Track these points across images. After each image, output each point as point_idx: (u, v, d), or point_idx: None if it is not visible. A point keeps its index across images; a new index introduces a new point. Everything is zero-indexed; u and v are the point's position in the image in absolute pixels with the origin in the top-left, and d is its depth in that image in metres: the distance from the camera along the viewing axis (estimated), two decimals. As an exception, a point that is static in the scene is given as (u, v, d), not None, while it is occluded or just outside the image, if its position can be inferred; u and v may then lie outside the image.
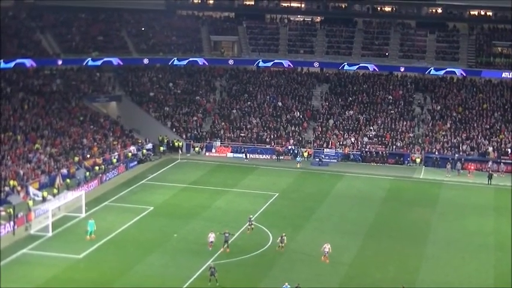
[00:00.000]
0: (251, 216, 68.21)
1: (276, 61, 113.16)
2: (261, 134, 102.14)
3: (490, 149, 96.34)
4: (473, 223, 71.85)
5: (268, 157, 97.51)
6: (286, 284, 52.13)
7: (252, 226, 66.79)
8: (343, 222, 71.03)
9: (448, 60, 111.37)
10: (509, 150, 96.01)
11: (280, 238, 62.41)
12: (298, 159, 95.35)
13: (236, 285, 52.92)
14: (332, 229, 68.05)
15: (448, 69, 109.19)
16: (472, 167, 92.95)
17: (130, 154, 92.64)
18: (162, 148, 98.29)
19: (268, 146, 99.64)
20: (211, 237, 61.73)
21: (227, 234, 61.90)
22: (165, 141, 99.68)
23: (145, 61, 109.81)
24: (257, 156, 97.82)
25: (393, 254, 61.31)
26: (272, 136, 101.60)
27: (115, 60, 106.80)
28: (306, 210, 74.20)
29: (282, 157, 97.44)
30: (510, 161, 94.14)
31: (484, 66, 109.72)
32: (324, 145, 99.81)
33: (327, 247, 59.20)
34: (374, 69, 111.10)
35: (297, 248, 62.85)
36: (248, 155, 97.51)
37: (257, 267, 57.12)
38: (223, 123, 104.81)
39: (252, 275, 56.13)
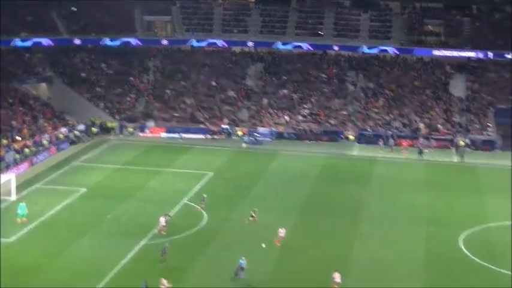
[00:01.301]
0: (204, 195, 67.98)
1: (210, 41, 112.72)
2: (195, 113, 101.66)
3: (422, 125, 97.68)
4: (406, 198, 72.78)
5: (203, 137, 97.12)
6: (243, 258, 52.24)
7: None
8: (278, 200, 71.19)
9: (381, 39, 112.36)
10: (440, 126, 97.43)
11: (252, 213, 63.28)
12: (245, 139, 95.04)
13: (172, 264, 52.48)
14: (267, 208, 67.86)
15: (381, 48, 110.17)
16: (406, 144, 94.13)
17: (61, 136, 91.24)
18: (94, 129, 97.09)
19: (202, 126, 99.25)
20: (163, 221, 60.83)
21: (168, 217, 61.58)
22: (98, 122, 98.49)
23: (77, 42, 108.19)
24: (191, 136, 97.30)
25: (327, 231, 61.61)
26: (206, 116, 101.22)
27: (45, 41, 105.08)
28: (241, 189, 74.16)
29: (217, 136, 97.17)
30: (441, 137, 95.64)
31: (415, 45, 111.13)
32: (258, 124, 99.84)
33: (282, 232, 58.68)
34: (308, 48, 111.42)
35: (232, 227, 62.84)
36: (182, 135, 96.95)
37: (192, 247, 56.78)
38: (156, 104, 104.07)
39: (188, 255, 55.71)
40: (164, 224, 60.55)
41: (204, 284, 51.50)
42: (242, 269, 51.95)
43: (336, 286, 49.87)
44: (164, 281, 48.27)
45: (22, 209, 62.93)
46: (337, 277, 50.10)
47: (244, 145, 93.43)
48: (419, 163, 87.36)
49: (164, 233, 59.90)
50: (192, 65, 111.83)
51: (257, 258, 55.78)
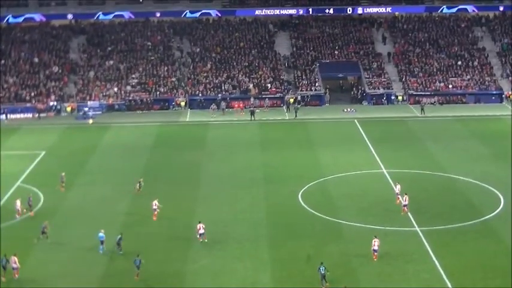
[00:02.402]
0: (63, 173, 65.95)
1: (27, 16, 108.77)
2: (20, 92, 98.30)
3: (251, 86, 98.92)
4: (242, 159, 73.79)
5: (30, 116, 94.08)
6: (102, 231, 51.79)
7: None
8: (115, 173, 70.27)
9: (203, 2, 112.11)
10: (269, 85, 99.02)
11: (138, 183, 63.22)
12: (90, 114, 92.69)
13: (13, 250, 50.49)
14: (104, 182, 67.22)
15: (203, 11, 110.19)
16: (237, 105, 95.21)
17: None
18: None
19: (29, 104, 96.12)
20: (18, 205, 58.57)
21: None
22: None
23: None
24: (18, 116, 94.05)
25: (168, 199, 61.16)
26: (32, 94, 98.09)
27: None
28: (75, 166, 72.53)
29: (44, 114, 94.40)
30: (271, 96, 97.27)
31: (237, 6, 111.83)
32: (87, 98, 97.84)
33: (155, 204, 57.67)
34: (130, 16, 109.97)
35: (70, 205, 61.58)
36: (8, 115, 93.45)
37: (30, 230, 54.92)
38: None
39: (25, 238, 53.96)
40: (19, 207, 58.35)
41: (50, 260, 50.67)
42: (102, 242, 51.76)
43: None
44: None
45: None
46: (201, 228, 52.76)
47: (90, 121, 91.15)
48: (253, 123, 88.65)
49: (18, 218, 58.11)
50: (11, 42, 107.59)
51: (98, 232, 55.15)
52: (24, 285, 47.00)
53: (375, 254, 49.87)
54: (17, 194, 63.69)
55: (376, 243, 49.95)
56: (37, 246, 52.64)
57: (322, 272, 46.18)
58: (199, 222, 53.35)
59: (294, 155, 74.82)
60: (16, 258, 48.07)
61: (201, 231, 53.15)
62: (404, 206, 57.75)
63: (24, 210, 58.73)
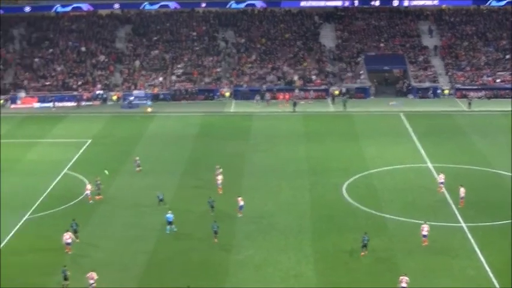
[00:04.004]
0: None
1: (74, 5, 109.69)
2: (67, 81, 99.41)
3: (296, 77, 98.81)
4: (287, 151, 73.75)
5: (77, 104, 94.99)
6: (170, 212, 53.48)
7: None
8: (159, 162, 70.82)
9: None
10: (313, 77, 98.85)
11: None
12: (148, 103, 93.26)
13: (58, 235, 51.35)
14: (149, 171, 67.60)
15: (248, 2, 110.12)
16: (282, 97, 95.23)
17: None
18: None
19: (75, 93, 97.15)
20: (88, 189, 60.06)
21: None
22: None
23: None
24: (65, 104, 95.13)
25: (211, 189, 61.37)
26: (79, 82, 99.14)
27: None
28: (121, 154, 73.25)
29: (87, 103, 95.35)
30: (316, 88, 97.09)
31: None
32: (133, 87, 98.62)
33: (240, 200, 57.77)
34: (176, 6, 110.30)
35: (115, 194, 62.19)
36: (56, 103, 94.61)
37: (78, 216, 55.49)
38: (26, 73, 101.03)
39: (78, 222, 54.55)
40: (89, 192, 59.79)
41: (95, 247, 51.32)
42: (170, 223, 53.23)
43: None
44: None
45: None
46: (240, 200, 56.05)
47: (149, 109, 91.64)
48: (297, 115, 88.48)
49: (91, 202, 59.51)
50: (59, 31, 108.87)
51: (143, 222, 55.99)
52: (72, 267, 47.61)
53: (424, 239, 50.20)
54: (64, 181, 64.87)
55: (425, 229, 50.45)
56: (83, 234, 53.31)
57: (365, 241, 48.14)
58: (239, 196, 55.77)
59: (339, 147, 74.64)
60: (70, 234, 50.26)
61: (241, 203, 55.69)
62: (462, 198, 57.49)
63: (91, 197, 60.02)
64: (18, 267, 48.80)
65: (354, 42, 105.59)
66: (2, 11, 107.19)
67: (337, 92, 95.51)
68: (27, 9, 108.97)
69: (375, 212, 57.07)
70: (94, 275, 45.10)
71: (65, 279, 45.71)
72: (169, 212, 54.07)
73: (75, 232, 51.96)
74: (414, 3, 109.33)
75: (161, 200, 58.30)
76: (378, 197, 60.38)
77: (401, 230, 53.69)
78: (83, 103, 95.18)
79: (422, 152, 72.42)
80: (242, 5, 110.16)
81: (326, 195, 61.04)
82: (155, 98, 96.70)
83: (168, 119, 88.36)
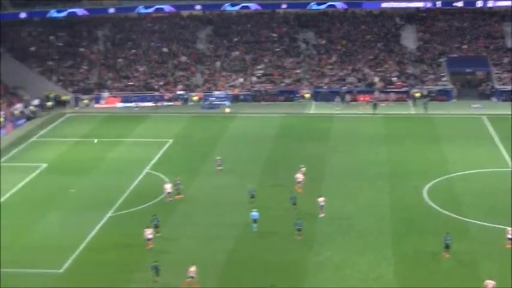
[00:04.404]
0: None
1: (157, 6, 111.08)
2: (149, 81, 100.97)
3: (377, 79, 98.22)
4: (367, 153, 73.33)
5: (159, 104, 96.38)
6: (255, 210, 54.52)
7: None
8: (239, 162, 71.23)
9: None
10: (394, 79, 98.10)
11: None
12: (227, 103, 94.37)
13: (140, 233, 52.35)
14: (229, 170, 68.09)
15: (329, 3, 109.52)
16: (362, 98, 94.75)
17: (17, 112, 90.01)
18: (49, 103, 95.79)
19: (157, 93, 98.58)
20: (168, 188, 61.12)
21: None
22: (52, 96, 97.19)
23: (23, 15, 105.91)
24: (147, 104, 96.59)
25: (292, 191, 61.05)
26: (160, 83, 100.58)
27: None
28: (201, 154, 73.99)
29: (169, 103, 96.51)
30: (397, 90, 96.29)
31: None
32: (213, 88, 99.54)
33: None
34: (256, 8, 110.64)
35: (195, 193, 62.83)
36: (138, 103, 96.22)
37: (158, 215, 56.16)
38: (109, 74, 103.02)
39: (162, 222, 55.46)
40: (169, 191, 60.80)
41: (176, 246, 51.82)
42: (255, 221, 54.04)
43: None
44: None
45: None
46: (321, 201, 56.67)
47: (227, 110, 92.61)
48: (377, 117, 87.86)
49: (171, 199, 60.55)
50: (142, 32, 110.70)
51: (224, 221, 56.56)
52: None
53: (509, 242, 49.61)
54: (146, 180, 66.00)
55: (510, 232, 49.79)
56: (164, 232, 54.13)
57: (447, 242, 48.15)
58: (320, 196, 56.39)
59: (420, 150, 73.80)
60: (151, 230, 51.53)
61: (321, 203, 56.39)
62: None
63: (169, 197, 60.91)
64: (101, 264, 49.88)
65: (436, 44, 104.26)
66: (87, 12, 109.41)
67: (418, 94, 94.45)
68: (111, 10, 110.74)
69: (456, 215, 56.29)
70: (194, 268, 45.90)
71: (157, 274, 46.56)
72: (254, 209, 54.68)
73: (156, 227, 52.96)
74: (499, 3, 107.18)
75: (252, 197, 58.92)
76: (459, 200, 59.53)
77: (484, 234, 52.86)
78: (162, 103, 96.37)
79: (506, 156, 71.04)
80: (323, 6, 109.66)
81: (406, 198, 60.51)
82: (235, 98, 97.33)
83: (248, 119, 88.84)
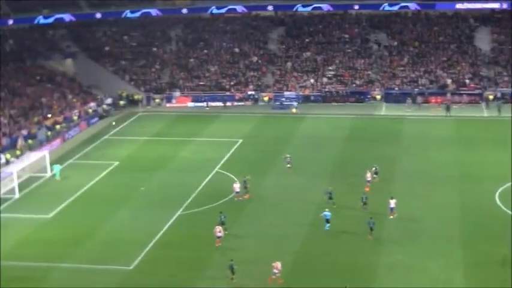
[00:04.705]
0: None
1: (229, 7, 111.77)
2: (220, 81, 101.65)
3: (449, 81, 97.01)
4: (438, 155, 72.51)
5: (229, 104, 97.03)
6: (327, 210, 54.68)
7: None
8: (308, 163, 71.15)
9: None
10: (467, 81, 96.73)
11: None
12: (294, 104, 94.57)
13: (208, 232, 52.84)
14: (298, 171, 68.10)
15: (402, 4, 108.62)
16: (434, 100, 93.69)
17: (90, 110, 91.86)
18: (122, 102, 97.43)
19: (228, 93, 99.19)
20: (237, 187, 61.76)
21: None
22: (125, 95, 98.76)
23: (98, 15, 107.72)
24: (218, 103, 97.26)
25: (362, 190, 61.13)
26: (232, 83, 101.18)
27: (67, 17, 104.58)
28: (270, 155, 74.20)
29: (239, 103, 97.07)
30: (470, 92, 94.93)
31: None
32: (284, 88, 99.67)
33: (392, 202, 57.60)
34: (328, 9, 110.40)
35: (264, 193, 63.04)
36: (209, 103, 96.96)
37: (227, 214, 56.58)
38: (181, 73, 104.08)
39: (230, 219, 55.65)
40: (238, 190, 61.35)
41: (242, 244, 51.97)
42: (327, 221, 54.16)
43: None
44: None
45: (57, 168, 67.91)
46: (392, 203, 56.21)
47: (294, 110, 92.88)
48: (449, 119, 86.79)
49: (240, 199, 61.16)
50: (214, 32, 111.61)
51: (291, 221, 56.53)
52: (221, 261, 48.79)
53: None
54: (216, 179, 66.51)
55: None
56: (231, 231, 54.48)
57: None
58: (392, 198, 56.00)
59: (493, 153, 72.50)
60: (220, 228, 52.24)
61: (392, 205, 56.06)
62: None
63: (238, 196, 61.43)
64: (170, 261, 50.48)
65: (511, 46, 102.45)
66: (160, 13, 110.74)
67: (491, 97, 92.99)
68: (184, 11, 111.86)
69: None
70: (279, 264, 46.20)
71: (232, 273, 46.93)
72: (327, 209, 54.74)
73: (222, 224, 53.40)
74: None
75: (330, 198, 58.70)
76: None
77: (557, 241, 51.78)
78: (231, 103, 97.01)
79: None
80: (395, 7, 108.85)
81: (478, 202, 59.52)
82: (306, 99, 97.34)
83: (318, 120, 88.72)
